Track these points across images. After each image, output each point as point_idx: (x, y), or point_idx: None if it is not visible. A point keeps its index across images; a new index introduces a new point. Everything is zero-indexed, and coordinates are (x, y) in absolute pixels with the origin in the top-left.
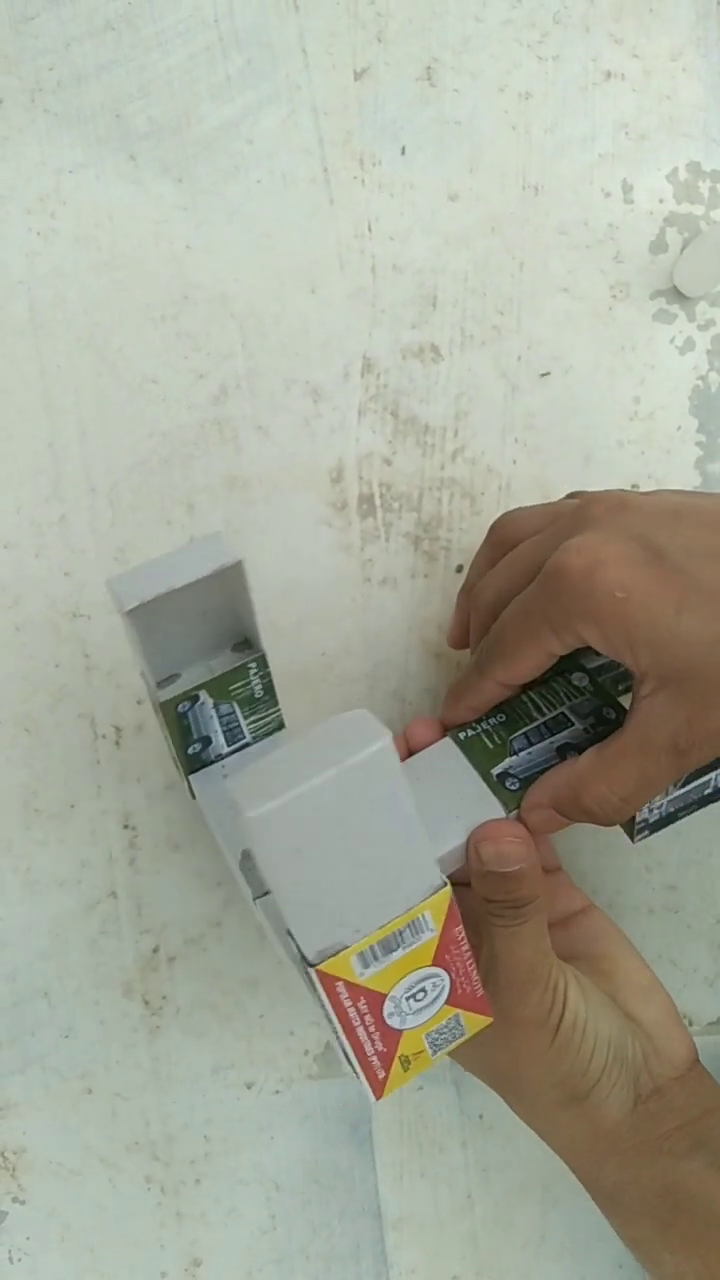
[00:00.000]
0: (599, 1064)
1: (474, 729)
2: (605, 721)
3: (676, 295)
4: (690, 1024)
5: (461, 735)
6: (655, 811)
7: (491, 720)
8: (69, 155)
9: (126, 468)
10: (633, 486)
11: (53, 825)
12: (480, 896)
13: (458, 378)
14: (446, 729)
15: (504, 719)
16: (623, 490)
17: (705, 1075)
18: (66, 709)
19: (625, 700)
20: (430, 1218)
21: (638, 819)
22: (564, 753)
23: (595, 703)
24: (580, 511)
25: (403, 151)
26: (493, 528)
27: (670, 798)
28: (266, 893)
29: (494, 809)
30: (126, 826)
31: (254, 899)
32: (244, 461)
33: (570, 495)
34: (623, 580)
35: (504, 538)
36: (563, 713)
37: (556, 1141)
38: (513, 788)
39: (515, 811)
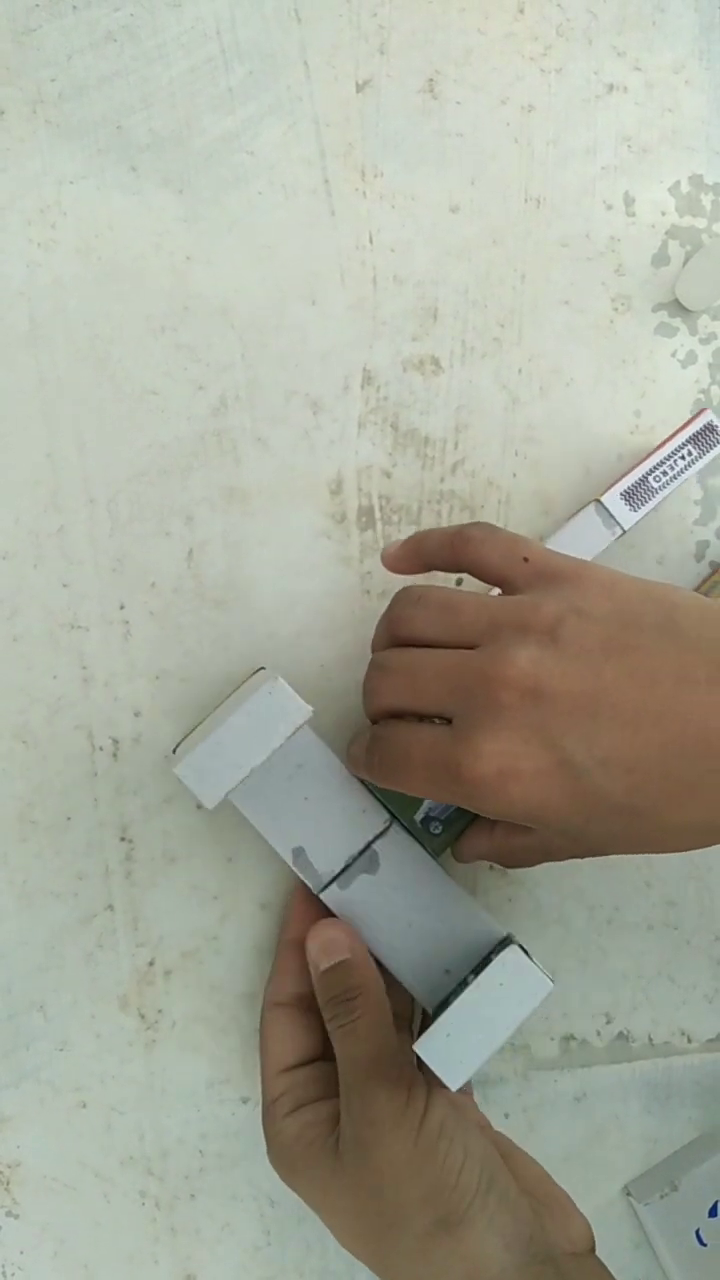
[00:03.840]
0: (470, 1181)
1: None
2: None
3: (678, 308)
4: (689, 1041)
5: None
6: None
7: None
8: (70, 166)
9: (125, 479)
10: (593, 501)
11: (49, 837)
12: (321, 1007)
13: (458, 390)
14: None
15: None
16: (552, 590)
17: (605, 1270)
18: (64, 720)
19: None
20: None
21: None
22: None
23: None
24: (489, 687)
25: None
26: (391, 609)
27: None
28: (326, 886)
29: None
30: (123, 839)
31: (318, 891)
32: (243, 473)
33: (469, 530)
34: (534, 797)
35: (401, 636)
36: None
37: None
38: (436, 831)
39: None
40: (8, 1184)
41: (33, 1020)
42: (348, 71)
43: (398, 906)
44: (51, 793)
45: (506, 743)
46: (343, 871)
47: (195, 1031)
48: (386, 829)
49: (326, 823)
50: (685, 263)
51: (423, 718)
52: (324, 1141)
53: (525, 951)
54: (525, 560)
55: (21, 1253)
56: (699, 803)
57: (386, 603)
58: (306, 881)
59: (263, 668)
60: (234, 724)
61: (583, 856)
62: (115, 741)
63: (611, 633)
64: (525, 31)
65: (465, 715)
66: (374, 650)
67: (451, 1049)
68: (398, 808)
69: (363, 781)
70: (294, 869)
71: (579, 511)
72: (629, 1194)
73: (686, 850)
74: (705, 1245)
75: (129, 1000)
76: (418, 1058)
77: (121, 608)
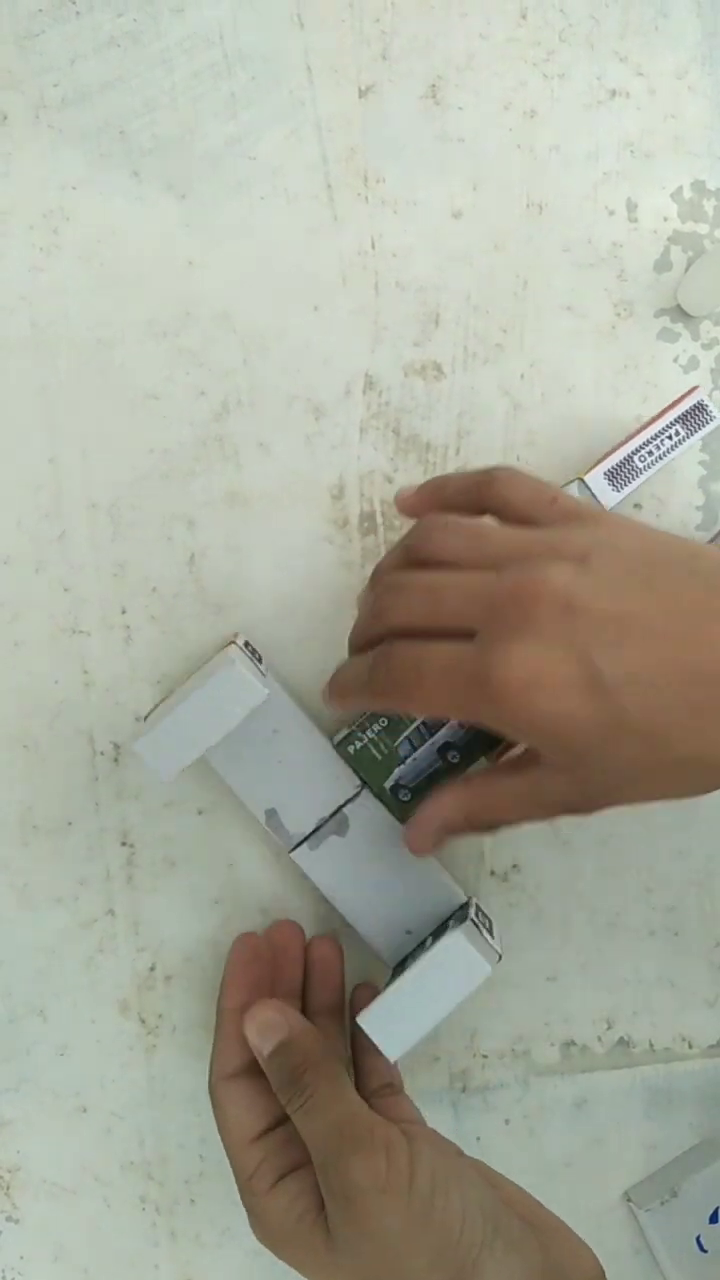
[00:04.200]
0: (474, 1234)
1: (360, 739)
2: None
3: (680, 314)
4: (690, 1046)
5: (350, 749)
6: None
7: (374, 728)
8: (72, 171)
9: (127, 484)
10: (635, 506)
11: (50, 842)
12: (276, 1092)
13: (460, 396)
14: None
15: (386, 724)
16: (578, 524)
17: None
18: (65, 725)
19: None
20: None
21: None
22: (444, 753)
23: None
24: (520, 600)
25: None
26: (412, 535)
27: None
28: (296, 846)
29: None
30: (124, 844)
31: (289, 850)
32: (245, 478)
33: (495, 471)
34: (558, 708)
35: (422, 556)
36: None
37: None
38: (404, 799)
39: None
40: (8, 1188)
41: (33, 1024)
42: (350, 77)
43: (364, 868)
44: (53, 797)
45: (536, 652)
46: (313, 833)
47: (196, 1036)
48: (357, 794)
49: (299, 786)
50: (687, 268)
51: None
52: (316, 1215)
53: (479, 922)
54: (553, 501)
55: (21, 1257)
56: (716, 733)
57: None
58: (278, 840)
59: (234, 638)
60: (192, 704)
61: (578, 810)
62: (116, 746)
63: (639, 567)
64: (528, 37)
65: (493, 627)
66: (378, 576)
67: (392, 1023)
68: (369, 775)
69: (336, 748)
70: (266, 828)
71: (562, 488)
72: (629, 1200)
73: (691, 794)
74: (706, 1252)
75: (129, 1005)
76: (361, 1032)
77: (123, 612)
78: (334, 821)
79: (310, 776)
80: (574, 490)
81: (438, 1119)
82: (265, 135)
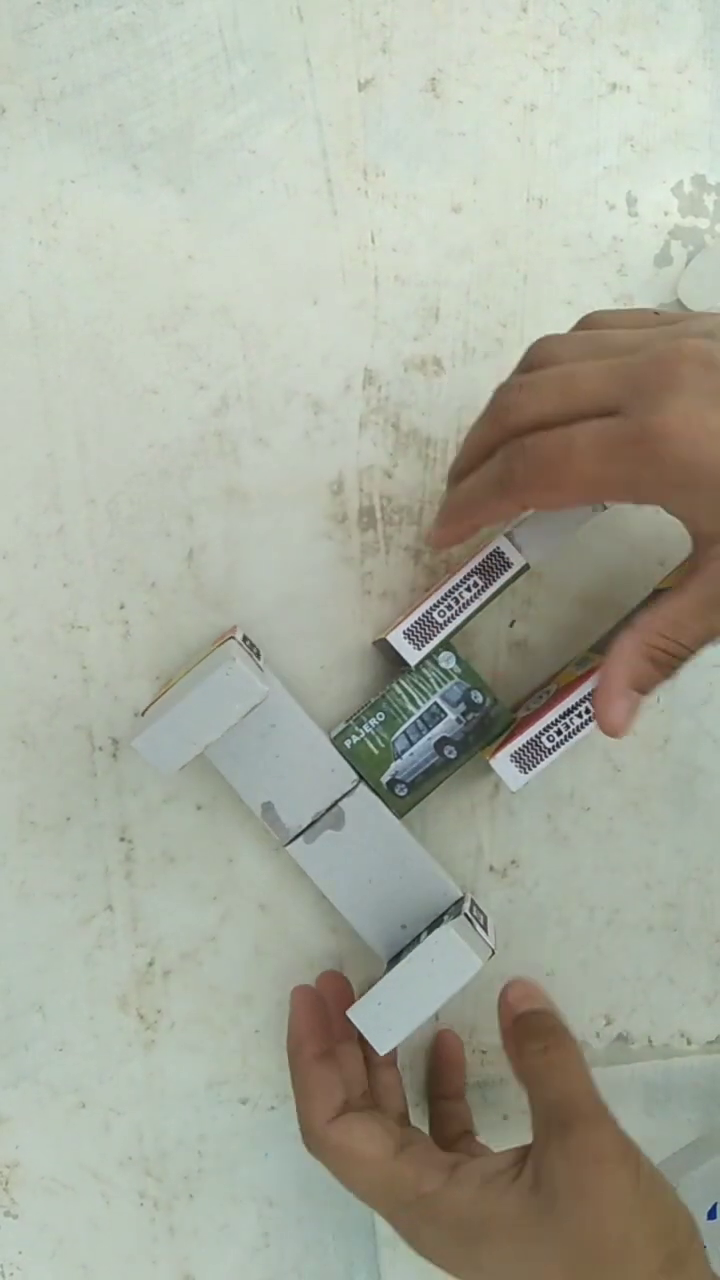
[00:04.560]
0: (686, 1227)
1: (358, 733)
2: (475, 706)
3: (680, 308)
4: (688, 1043)
5: (347, 743)
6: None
7: (371, 722)
8: (71, 165)
9: (126, 479)
10: None
11: (49, 838)
12: (517, 1052)
13: (460, 390)
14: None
15: (383, 719)
16: (691, 318)
17: None
18: (64, 721)
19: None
20: None
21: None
22: (441, 748)
23: (464, 686)
24: (663, 364)
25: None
26: (530, 353)
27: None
28: (292, 840)
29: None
30: (123, 839)
31: (284, 844)
32: (244, 473)
33: (590, 314)
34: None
35: (545, 356)
36: (435, 703)
37: None
38: (401, 794)
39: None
40: (6, 1184)
41: (31, 1021)
42: (350, 70)
43: (360, 862)
44: (51, 793)
45: (691, 403)
46: (309, 826)
47: (194, 1032)
48: (353, 789)
49: (296, 780)
50: (688, 263)
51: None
52: (513, 1190)
53: (473, 917)
54: (655, 313)
55: (20, 1253)
56: None
57: (387, 603)
58: (273, 834)
59: (233, 632)
60: (191, 702)
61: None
62: (115, 742)
63: None
64: (528, 30)
65: (641, 394)
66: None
67: (382, 1017)
68: (365, 769)
69: (333, 741)
70: (263, 822)
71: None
72: None
73: None
74: (704, 1247)
75: (128, 1000)
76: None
77: (122, 608)
78: (330, 816)
79: (307, 770)
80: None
81: None
82: (265, 129)
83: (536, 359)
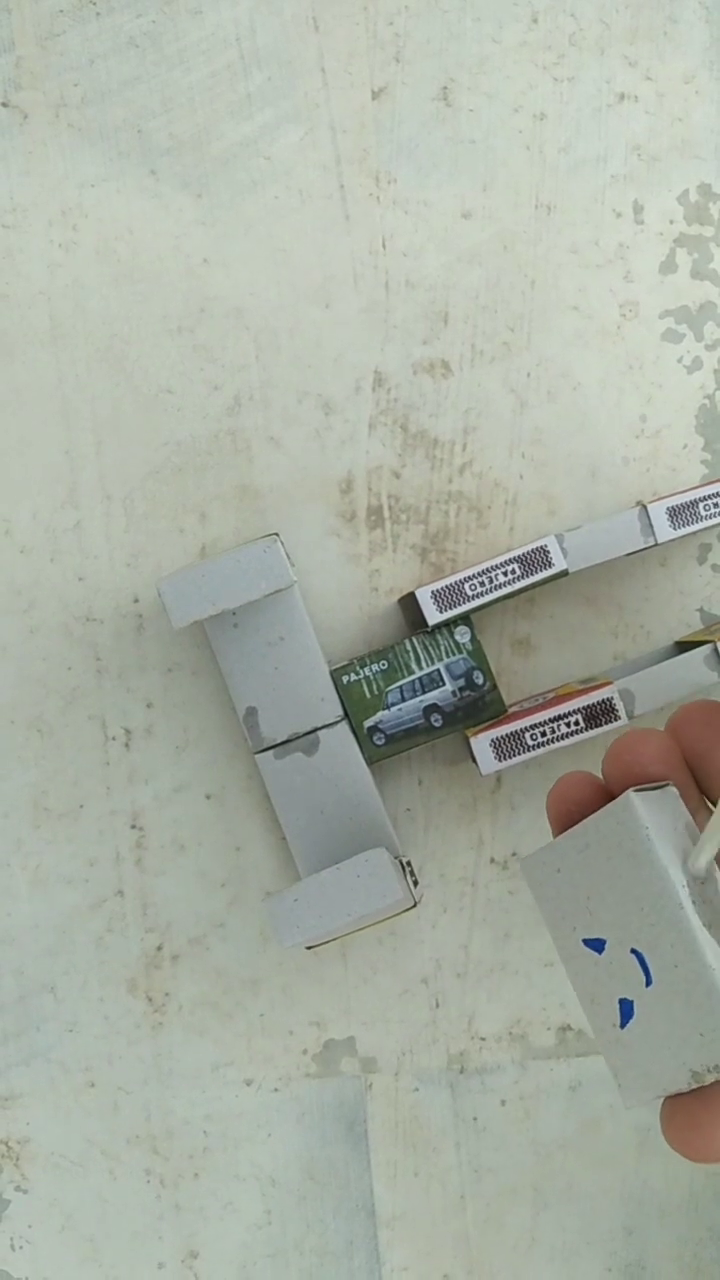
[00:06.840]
0: None
1: (358, 673)
2: (474, 685)
3: (685, 314)
4: None
5: (345, 678)
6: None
7: (373, 667)
8: (91, 170)
9: (141, 476)
10: (637, 504)
11: (62, 825)
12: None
13: (467, 393)
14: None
15: (385, 668)
16: None
17: None
18: (78, 711)
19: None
20: (423, 1216)
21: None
22: (429, 713)
23: (469, 664)
24: None
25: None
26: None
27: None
28: (263, 750)
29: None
30: (134, 827)
31: (255, 752)
32: (256, 472)
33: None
34: None
35: None
36: (439, 670)
37: None
38: (378, 742)
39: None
40: (17, 1159)
41: (43, 1001)
42: (363, 79)
43: (319, 792)
44: (65, 781)
45: None
46: (283, 743)
47: (201, 1015)
48: (335, 723)
49: (285, 696)
50: (692, 270)
51: None
52: None
53: (408, 870)
54: None
55: (30, 1226)
56: None
57: (393, 600)
58: (248, 739)
59: (275, 534)
60: (224, 564)
61: None
62: (127, 732)
63: None
64: (539, 40)
65: None
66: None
67: (294, 913)
68: (353, 708)
69: (332, 674)
70: (241, 724)
71: (624, 511)
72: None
73: None
74: None
75: (137, 984)
76: None
77: (135, 601)
78: (306, 740)
79: (299, 691)
80: (633, 516)
81: (435, 1099)
82: (280, 136)
83: None
